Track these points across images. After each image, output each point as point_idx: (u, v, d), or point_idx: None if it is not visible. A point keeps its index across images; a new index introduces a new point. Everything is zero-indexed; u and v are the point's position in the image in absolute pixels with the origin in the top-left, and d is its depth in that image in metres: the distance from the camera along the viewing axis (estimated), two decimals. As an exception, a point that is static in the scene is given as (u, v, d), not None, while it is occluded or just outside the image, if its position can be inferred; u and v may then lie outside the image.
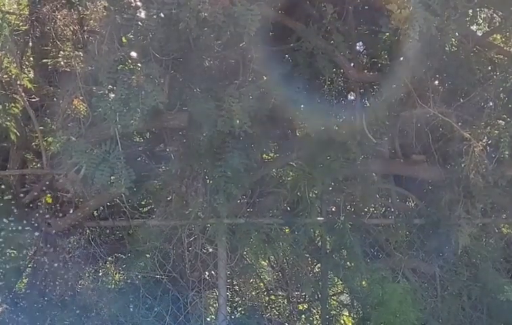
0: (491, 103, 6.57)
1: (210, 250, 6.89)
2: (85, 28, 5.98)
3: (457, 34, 6.09)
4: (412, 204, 7.45)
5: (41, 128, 6.03)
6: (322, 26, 6.12)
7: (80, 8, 5.83)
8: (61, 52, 5.76)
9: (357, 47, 7.00)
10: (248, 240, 6.71)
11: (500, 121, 6.45)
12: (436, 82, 6.61)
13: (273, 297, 7.78)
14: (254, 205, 7.00)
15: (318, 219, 6.88)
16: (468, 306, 6.82)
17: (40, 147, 6.06)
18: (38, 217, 6.33)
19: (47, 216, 6.40)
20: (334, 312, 7.60)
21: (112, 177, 5.68)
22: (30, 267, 6.89)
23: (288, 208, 6.94)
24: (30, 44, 6.28)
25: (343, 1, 6.17)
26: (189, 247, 6.73)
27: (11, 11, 6.04)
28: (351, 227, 6.74)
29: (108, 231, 7.01)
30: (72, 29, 5.93)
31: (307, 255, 7.49)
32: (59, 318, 6.57)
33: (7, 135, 6.06)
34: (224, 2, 5.16)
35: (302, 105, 6.64)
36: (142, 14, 5.39)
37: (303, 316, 7.46)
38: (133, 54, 5.55)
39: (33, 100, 6.03)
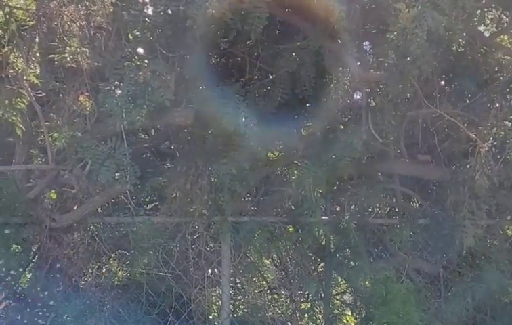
0: (497, 105, 6.55)
1: (214, 248, 6.87)
2: (92, 24, 5.94)
3: (464, 34, 6.09)
4: (417, 205, 7.43)
5: (47, 123, 6.00)
6: (329, 25, 6.11)
7: (87, 4, 5.81)
8: (68, 48, 5.72)
9: (364, 46, 7.00)
10: (252, 238, 6.71)
11: (507, 122, 6.45)
12: (443, 82, 6.61)
13: (276, 296, 7.77)
14: (259, 203, 6.99)
15: (322, 218, 6.85)
16: (472, 307, 6.80)
17: (46, 143, 6.03)
18: (42, 212, 6.31)
19: (52, 211, 6.38)
20: (337, 311, 7.59)
21: (117, 174, 5.69)
22: (33, 262, 6.88)
23: (293, 207, 6.92)
24: (37, 39, 6.25)
25: (351, -1, 6.17)
26: (193, 244, 6.73)
27: (18, 6, 6.01)
28: (355, 227, 6.71)
29: (112, 227, 6.99)
30: (79, 25, 5.89)
31: (311, 254, 7.48)
32: (62, 314, 6.56)
33: (13, 130, 6.04)
34: (232, -1, 5.18)
35: (308, 104, 6.67)
36: (149, 11, 5.43)
37: (306, 315, 7.42)
38: (140, 50, 5.57)
39: (39, 95, 6.00)
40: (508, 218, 7.17)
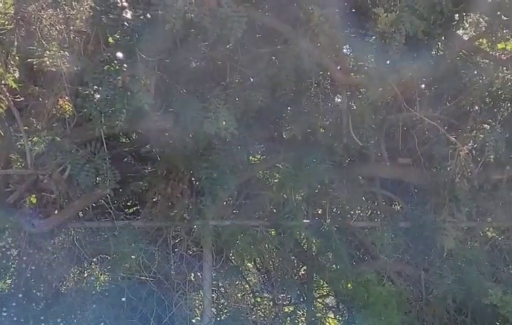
0: (476, 108, 6.61)
1: (196, 252, 6.86)
2: (71, 28, 5.93)
3: (443, 38, 6.12)
4: (398, 207, 7.49)
5: (26, 128, 5.98)
6: (309, 29, 6.13)
7: (66, 8, 5.78)
8: (47, 52, 5.69)
9: (344, 50, 7.01)
10: (233, 242, 6.70)
11: (486, 125, 6.49)
12: (422, 86, 6.63)
13: (258, 299, 7.74)
14: (240, 207, 7.01)
15: (304, 221, 6.85)
16: (452, 309, 6.85)
17: (25, 147, 6.00)
18: (22, 217, 6.27)
19: (32, 216, 6.34)
20: (320, 314, 7.59)
21: (97, 178, 5.66)
22: (13, 267, 6.83)
23: (274, 211, 6.93)
24: (16, 43, 6.20)
25: (330, 3, 6.17)
26: (174, 249, 6.71)
27: (-3, 10, 6.00)
28: (336, 230, 6.73)
29: (93, 232, 6.96)
30: (57, 29, 5.88)
31: (293, 257, 7.49)
32: (43, 319, 6.52)
33: (-9, 135, 6.02)
34: (211, 3, 5.16)
35: (288, 108, 6.67)
36: (128, 15, 5.36)
37: (289, 318, 7.44)
38: (119, 54, 5.52)
39: (18, 100, 5.98)
40: (489, 220, 7.22)
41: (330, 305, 7.84)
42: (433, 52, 6.25)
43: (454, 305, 6.83)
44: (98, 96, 5.41)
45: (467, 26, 6.93)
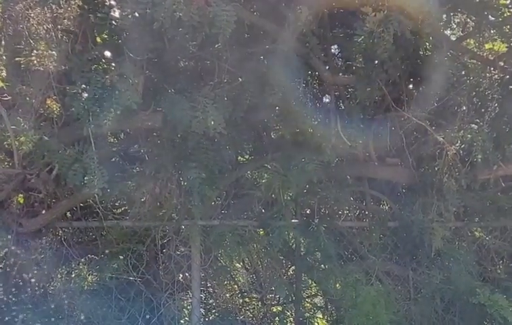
0: (464, 108, 6.62)
1: (184, 252, 6.85)
2: (59, 26, 5.90)
3: (431, 38, 6.14)
4: (386, 207, 7.50)
5: (13, 127, 5.93)
6: (297, 29, 6.13)
7: (53, 6, 5.76)
8: (35, 51, 5.67)
9: (332, 50, 7.02)
10: (222, 241, 6.69)
11: (473, 125, 6.51)
12: (410, 86, 6.65)
13: (247, 299, 7.76)
14: (229, 207, 6.99)
15: (292, 221, 6.87)
16: (441, 309, 6.86)
17: (12, 147, 5.97)
18: (9, 217, 6.24)
19: (19, 216, 6.31)
20: (308, 314, 7.59)
21: (85, 178, 5.63)
22: (0, 268, 6.80)
23: (263, 210, 6.94)
24: (3, 42, 6.17)
25: (319, 3, 6.18)
26: (162, 249, 6.71)
27: (-17, 9, 5.96)
28: (325, 230, 6.73)
29: (80, 232, 6.94)
30: (45, 28, 5.84)
31: (281, 257, 7.49)
32: (30, 320, 6.50)
33: (-22, 134, 5.98)
34: (199, 2, 5.15)
35: (277, 108, 6.67)
36: (116, 13, 5.35)
37: (277, 318, 7.44)
38: (107, 53, 5.51)
39: (5, 99, 5.94)
40: (476, 220, 7.25)
41: (319, 304, 7.83)
42: (421, 52, 6.26)
43: (442, 305, 6.85)
44: (86, 95, 5.39)
45: (455, 26, 6.99)
